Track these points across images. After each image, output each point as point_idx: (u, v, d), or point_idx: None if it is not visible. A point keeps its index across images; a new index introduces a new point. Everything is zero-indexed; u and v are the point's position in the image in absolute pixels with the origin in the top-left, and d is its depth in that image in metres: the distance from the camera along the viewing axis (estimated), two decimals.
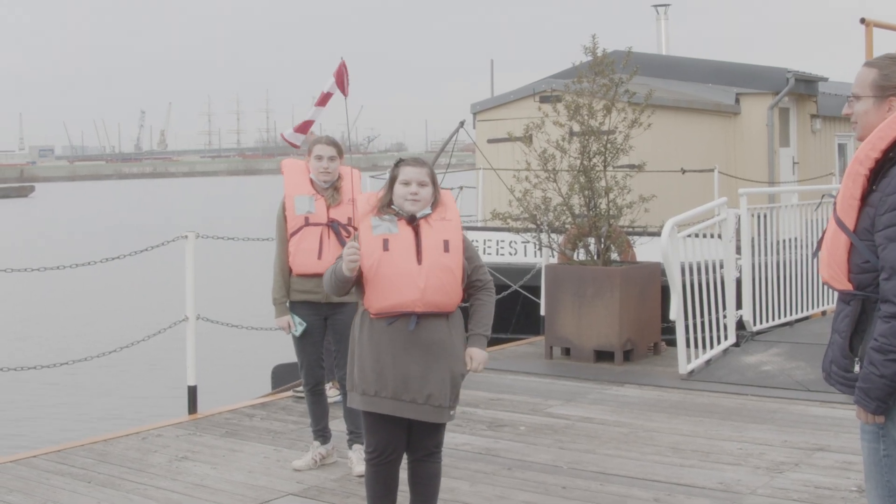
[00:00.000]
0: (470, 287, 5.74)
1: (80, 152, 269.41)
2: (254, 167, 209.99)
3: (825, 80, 23.07)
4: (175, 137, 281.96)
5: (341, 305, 7.73)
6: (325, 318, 7.82)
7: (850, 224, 4.26)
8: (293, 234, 7.75)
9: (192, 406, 9.94)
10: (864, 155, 4.24)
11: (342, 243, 7.50)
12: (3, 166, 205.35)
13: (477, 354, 5.68)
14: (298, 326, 7.79)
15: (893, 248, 4.07)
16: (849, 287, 4.28)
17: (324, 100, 6.96)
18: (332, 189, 7.73)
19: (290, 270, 7.79)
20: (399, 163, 5.77)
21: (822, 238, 4.41)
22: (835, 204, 4.34)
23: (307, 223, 7.72)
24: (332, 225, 7.68)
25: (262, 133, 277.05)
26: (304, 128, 7.08)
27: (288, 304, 7.82)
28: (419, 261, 5.54)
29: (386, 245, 5.54)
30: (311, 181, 7.78)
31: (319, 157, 7.72)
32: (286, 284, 7.81)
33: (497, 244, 16.53)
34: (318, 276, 7.63)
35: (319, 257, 7.66)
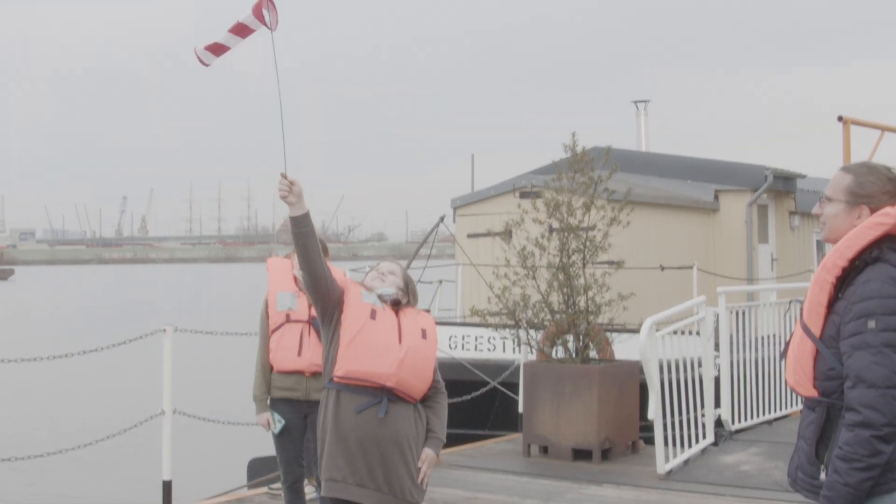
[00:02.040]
0: (429, 387, 5.80)
1: (62, 236, 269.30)
2: (234, 255, 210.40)
3: (803, 177, 23.26)
4: (156, 223, 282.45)
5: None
6: (304, 416, 7.81)
7: (817, 331, 4.30)
8: (274, 330, 7.78)
9: (167, 501, 9.84)
10: (831, 263, 4.30)
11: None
12: None
13: (431, 457, 5.70)
14: (277, 424, 7.77)
15: (858, 356, 4.11)
16: (814, 394, 4.30)
17: (239, 30, 6.41)
18: None
19: (272, 367, 7.80)
20: (380, 262, 6.00)
21: (789, 342, 4.44)
22: (801, 309, 4.38)
23: (288, 320, 7.75)
24: (314, 322, 7.69)
25: (243, 221, 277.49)
26: (216, 49, 6.70)
27: (269, 400, 7.81)
28: (400, 340, 5.61)
29: (373, 314, 5.62)
30: (295, 278, 7.82)
31: None
32: (267, 381, 7.81)
33: (476, 340, 16.52)
34: (298, 373, 7.69)
35: (299, 354, 7.67)
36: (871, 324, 4.13)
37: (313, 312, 7.69)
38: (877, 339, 4.10)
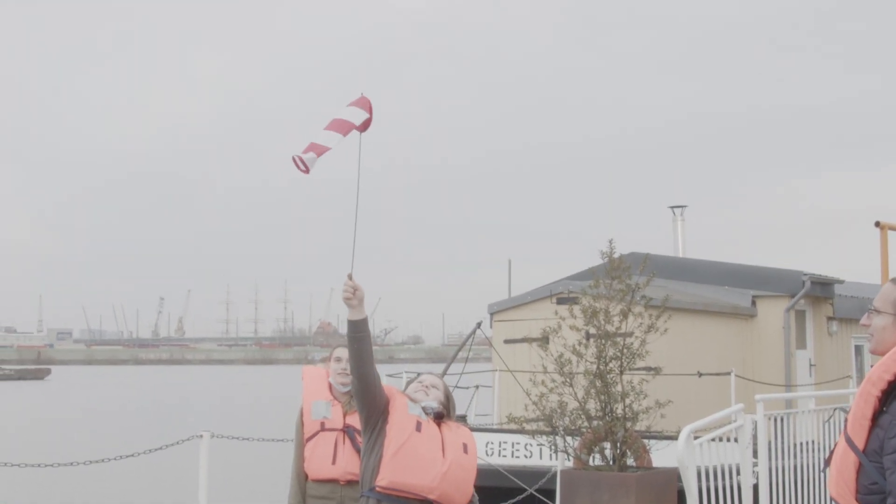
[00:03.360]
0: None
1: (98, 336, 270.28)
2: (270, 357, 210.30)
3: (841, 282, 23.18)
4: (193, 324, 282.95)
5: None
6: None
7: (860, 444, 4.26)
8: (309, 438, 7.78)
9: None
10: (876, 376, 4.27)
11: (357, 449, 7.54)
12: (21, 348, 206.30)
13: None
14: None
15: None
16: None
17: (348, 129, 6.05)
18: (348, 395, 7.77)
19: (306, 475, 7.80)
20: (421, 374, 6.14)
21: (832, 453, 4.40)
22: (846, 421, 4.35)
23: (323, 428, 7.75)
24: (348, 431, 7.70)
25: (279, 323, 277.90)
26: (320, 150, 6.03)
27: None
28: (443, 453, 5.63)
29: (419, 427, 5.64)
30: (330, 387, 7.86)
31: (339, 359, 7.82)
32: (302, 490, 7.80)
33: (512, 446, 16.43)
34: (333, 481, 7.66)
35: (334, 462, 7.66)
36: None
37: (348, 421, 7.71)
38: None
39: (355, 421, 7.67)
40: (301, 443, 7.84)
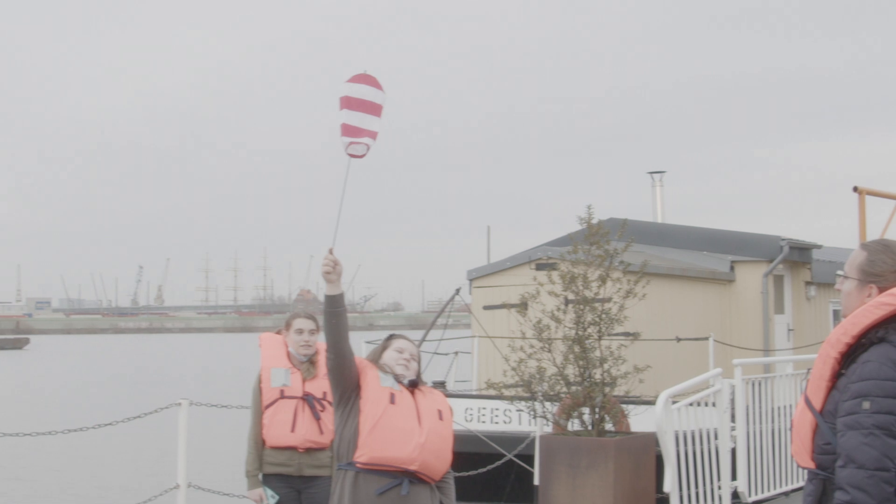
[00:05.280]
0: None
1: (77, 305, 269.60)
2: (250, 324, 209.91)
3: (819, 247, 23.25)
4: (172, 293, 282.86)
5: (314, 479, 7.74)
6: (298, 492, 7.80)
7: (818, 404, 4.31)
8: (268, 406, 7.80)
9: None
10: (835, 339, 4.32)
11: (316, 417, 7.59)
12: None
13: None
14: (270, 499, 7.77)
15: (851, 436, 4.11)
16: (811, 466, 4.32)
17: (380, 111, 6.13)
18: (308, 363, 7.79)
19: (264, 442, 7.81)
20: (393, 336, 6.04)
21: None
22: (807, 382, 4.40)
23: (282, 396, 7.77)
24: (307, 398, 7.73)
25: (259, 291, 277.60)
26: (374, 135, 6.12)
27: (261, 476, 7.81)
28: (419, 423, 5.63)
29: (392, 399, 5.65)
30: (289, 354, 7.85)
31: (300, 331, 7.82)
32: (259, 457, 7.83)
33: (491, 412, 16.46)
34: (292, 448, 7.69)
35: (293, 430, 7.70)
36: (866, 405, 4.13)
37: (307, 388, 7.72)
38: (869, 421, 4.11)
39: (314, 388, 7.71)
40: (259, 410, 7.84)
